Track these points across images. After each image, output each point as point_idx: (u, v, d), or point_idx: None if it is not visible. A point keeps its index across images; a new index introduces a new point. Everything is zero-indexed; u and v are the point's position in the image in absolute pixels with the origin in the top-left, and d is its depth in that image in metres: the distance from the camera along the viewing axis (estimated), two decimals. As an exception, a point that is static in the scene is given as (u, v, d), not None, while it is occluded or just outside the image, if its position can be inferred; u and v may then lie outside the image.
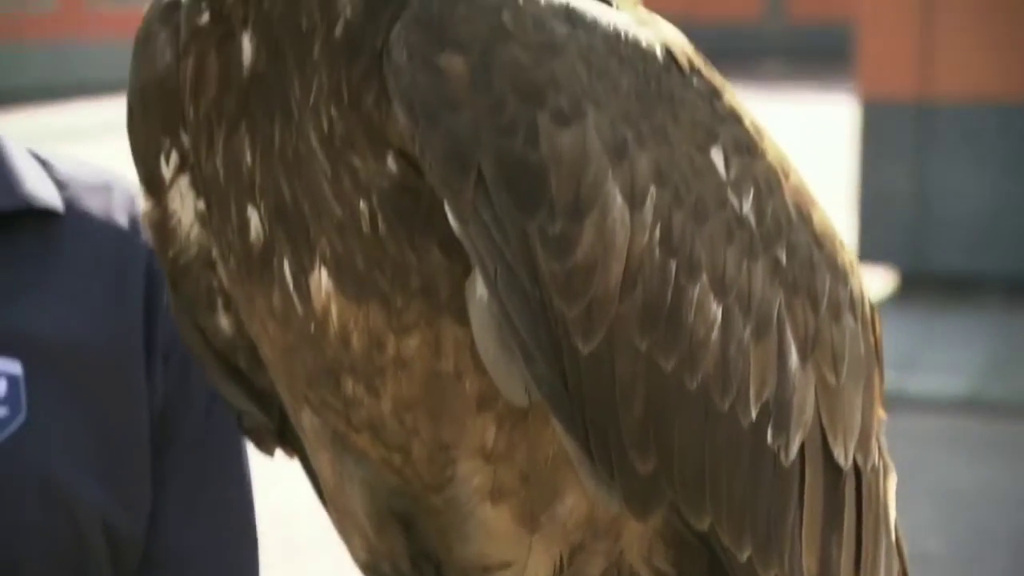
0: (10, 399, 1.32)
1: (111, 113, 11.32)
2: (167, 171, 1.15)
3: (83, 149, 10.31)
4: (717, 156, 1.07)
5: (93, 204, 1.40)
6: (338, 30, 1.03)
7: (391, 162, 1.03)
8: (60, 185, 1.40)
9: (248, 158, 1.06)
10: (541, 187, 1.00)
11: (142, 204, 1.17)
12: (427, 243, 1.04)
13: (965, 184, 8.84)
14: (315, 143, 1.04)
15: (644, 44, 1.05)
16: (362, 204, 1.04)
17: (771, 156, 1.11)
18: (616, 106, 1.02)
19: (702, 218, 1.05)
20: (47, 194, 1.38)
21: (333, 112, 1.03)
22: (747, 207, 1.08)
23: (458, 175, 1.00)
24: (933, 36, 8.72)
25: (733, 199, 1.07)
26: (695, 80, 1.07)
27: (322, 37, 1.03)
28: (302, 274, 1.07)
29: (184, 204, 1.16)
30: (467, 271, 1.04)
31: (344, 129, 1.03)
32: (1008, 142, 8.79)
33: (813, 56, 21.94)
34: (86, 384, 1.35)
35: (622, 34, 1.04)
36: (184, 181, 1.15)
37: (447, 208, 1.01)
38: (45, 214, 1.38)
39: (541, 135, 0.99)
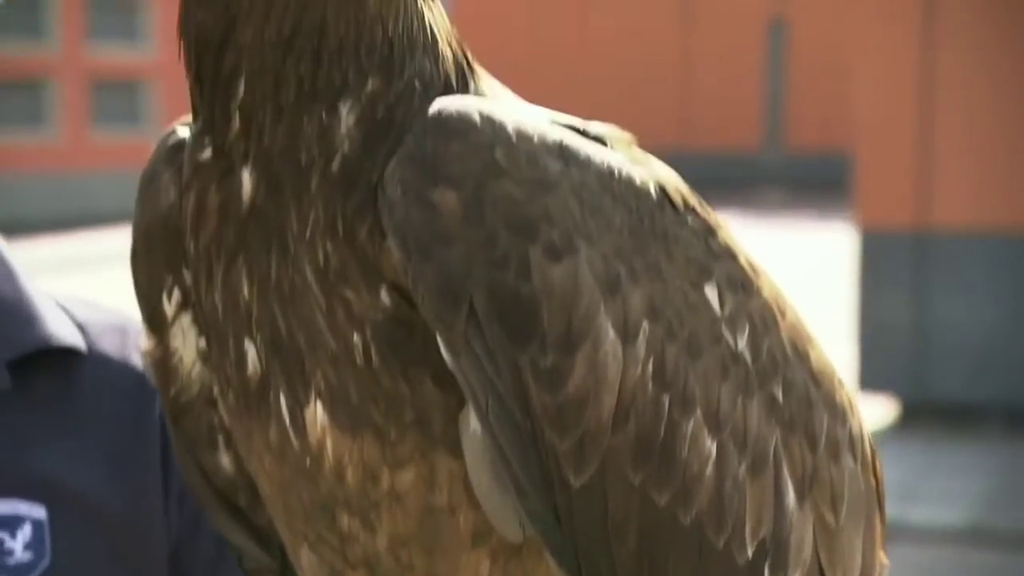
0: (34, 543, 1.33)
1: (111, 243, 11.37)
2: (169, 308, 1.16)
3: (82, 279, 10.33)
4: (711, 292, 1.07)
5: (110, 346, 1.42)
6: (335, 164, 1.04)
7: (384, 295, 1.04)
8: (79, 327, 1.42)
9: (245, 291, 1.07)
10: (533, 320, 1.00)
11: (144, 342, 1.18)
12: (421, 375, 1.04)
13: (965, 313, 8.85)
14: (310, 276, 1.05)
15: (638, 182, 1.06)
16: (356, 337, 1.05)
17: (767, 294, 1.12)
18: (609, 242, 1.03)
19: (696, 353, 1.05)
20: (69, 334, 1.40)
21: (328, 245, 1.04)
22: (742, 343, 1.08)
23: (450, 308, 1.00)
24: (931, 166, 8.78)
25: (728, 335, 1.07)
26: (689, 218, 1.08)
27: (320, 171, 1.05)
28: (297, 408, 1.08)
29: (186, 342, 1.17)
30: (461, 403, 1.04)
31: (338, 262, 1.04)
32: (1006, 272, 8.82)
33: (811, 185, 22.09)
34: (107, 528, 1.36)
35: (615, 172, 1.05)
36: (186, 319, 1.16)
37: (440, 341, 1.01)
38: (65, 355, 1.40)
39: (533, 268, 1.00)
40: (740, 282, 1.09)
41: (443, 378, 1.04)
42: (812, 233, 16.93)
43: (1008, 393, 8.89)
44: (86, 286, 9.30)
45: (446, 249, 1.00)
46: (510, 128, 1.02)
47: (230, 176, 1.07)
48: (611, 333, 1.01)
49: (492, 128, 1.02)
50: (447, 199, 1.00)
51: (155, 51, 19.95)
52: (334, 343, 1.05)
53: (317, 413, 1.07)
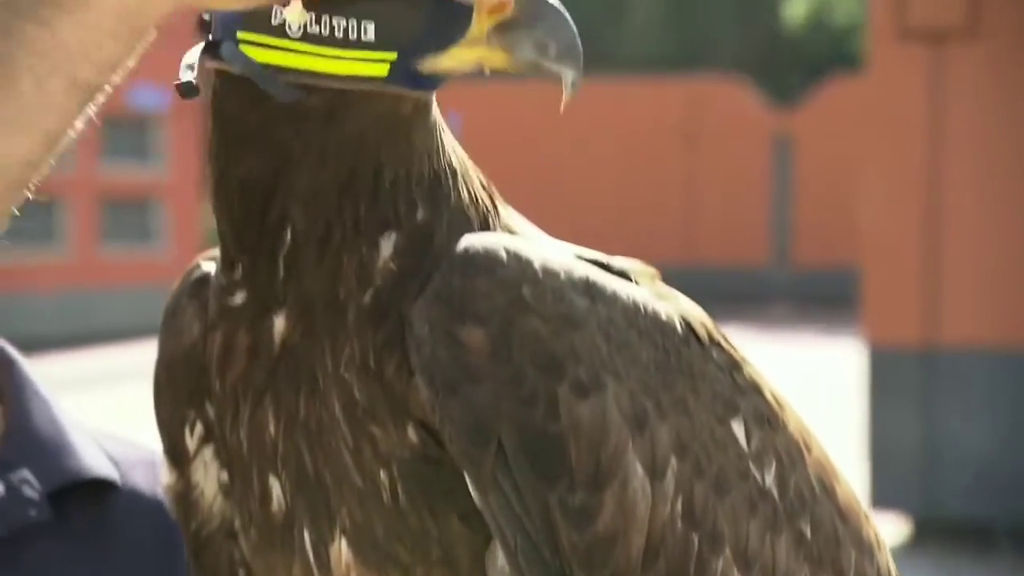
0: None
1: (124, 361, 11.34)
2: (191, 442, 1.16)
3: (95, 397, 10.31)
4: (738, 428, 1.08)
5: (141, 480, 1.42)
6: (367, 297, 1.05)
7: (412, 433, 1.04)
8: (111, 460, 1.43)
9: (272, 429, 1.08)
10: (561, 458, 1.00)
11: (165, 475, 1.18)
12: (447, 513, 1.04)
13: (975, 430, 8.82)
14: (338, 412, 1.05)
15: (663, 317, 1.07)
16: (383, 474, 1.05)
17: (793, 428, 1.12)
18: (635, 378, 1.03)
19: (724, 490, 1.05)
20: (104, 466, 1.40)
21: (357, 381, 1.05)
22: (769, 479, 1.08)
23: (478, 446, 1.01)
24: (938, 283, 8.78)
25: (755, 471, 1.08)
26: (714, 353, 1.09)
27: (355, 305, 1.05)
28: (322, 544, 1.08)
29: (207, 475, 1.17)
30: (488, 541, 1.04)
31: (367, 398, 1.05)
32: (1017, 389, 8.80)
33: (819, 301, 22.04)
34: None
35: (641, 307, 1.06)
36: (208, 452, 1.16)
37: (468, 479, 1.02)
38: (100, 487, 1.40)
39: (561, 406, 1.01)
40: (766, 417, 1.10)
41: (470, 515, 1.04)
42: (820, 349, 16.87)
43: (1019, 510, 8.84)
44: (98, 404, 9.28)
45: (474, 387, 1.01)
46: (536, 265, 1.03)
47: (262, 319, 1.07)
48: (639, 470, 1.02)
49: (519, 265, 1.03)
50: (474, 337, 1.01)
51: (166, 171, 20.00)
52: (360, 480, 1.05)
53: (342, 550, 1.07)
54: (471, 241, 1.04)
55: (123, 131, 19.09)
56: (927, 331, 8.84)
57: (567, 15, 1.02)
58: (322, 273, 1.06)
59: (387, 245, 1.05)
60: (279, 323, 1.07)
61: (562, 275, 1.04)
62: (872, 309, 9.04)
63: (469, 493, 1.03)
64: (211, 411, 1.14)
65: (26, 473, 1.37)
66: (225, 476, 1.15)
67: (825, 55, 26.83)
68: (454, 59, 1.04)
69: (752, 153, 23.61)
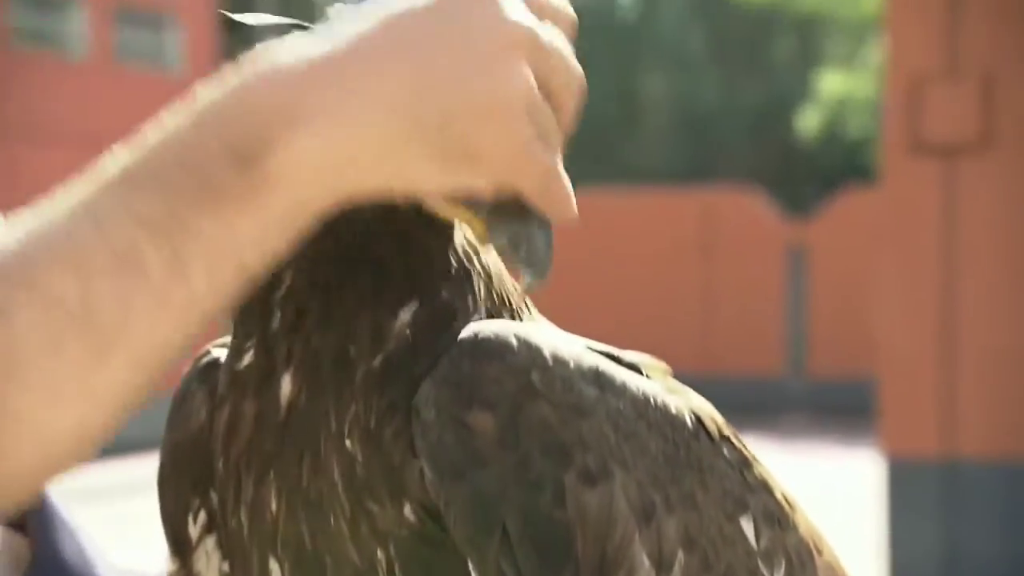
0: None
1: (125, 474, 11.35)
2: (194, 531, 1.15)
3: (94, 511, 10.29)
4: (747, 525, 1.07)
5: None
6: (378, 361, 1.05)
7: (409, 512, 1.03)
8: None
9: (273, 506, 1.07)
10: (567, 547, 1.00)
11: (168, 566, 1.18)
12: None
13: (996, 544, 8.76)
14: (337, 480, 1.05)
15: (673, 410, 1.07)
16: (379, 553, 1.04)
17: (803, 529, 1.12)
18: (644, 469, 1.03)
19: None
20: None
21: (359, 448, 1.04)
22: None
23: (483, 532, 1.00)
24: (954, 395, 8.77)
25: (764, 570, 1.07)
26: (725, 449, 1.09)
27: (365, 366, 1.05)
28: None
29: (209, 565, 1.16)
30: None
31: (364, 470, 1.04)
32: (1035, 500, 8.75)
33: (835, 411, 22.03)
34: None
35: (651, 399, 1.06)
36: (210, 541, 1.15)
37: (471, 564, 1.01)
38: None
39: (568, 494, 1.00)
40: (776, 517, 1.09)
41: None
42: (836, 459, 16.82)
43: (1040, 624, 8.76)
44: (100, 518, 9.28)
45: (480, 472, 1.00)
46: (546, 352, 1.03)
47: (269, 382, 1.07)
48: (646, 563, 1.01)
49: (528, 351, 1.02)
50: (482, 421, 1.00)
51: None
52: (358, 559, 1.04)
53: None
54: (481, 327, 1.04)
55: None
56: (945, 443, 8.81)
57: (550, 231, 1.03)
58: (331, 335, 1.05)
59: (406, 313, 1.05)
60: (286, 385, 1.06)
61: (572, 363, 1.03)
62: (889, 420, 9.01)
63: None
64: (215, 498, 1.13)
65: None
66: (227, 567, 1.14)
67: (839, 167, 27.01)
68: (446, 211, 1.04)
69: (767, 263, 23.66)
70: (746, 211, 23.77)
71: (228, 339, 1.13)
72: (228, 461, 1.09)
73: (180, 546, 1.16)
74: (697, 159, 28.10)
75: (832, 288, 23.58)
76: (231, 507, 1.10)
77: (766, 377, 22.84)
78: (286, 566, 1.07)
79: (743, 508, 1.07)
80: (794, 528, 1.10)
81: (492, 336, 1.02)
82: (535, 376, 1.02)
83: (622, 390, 1.04)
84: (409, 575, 1.04)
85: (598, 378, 1.04)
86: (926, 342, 8.85)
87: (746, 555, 1.06)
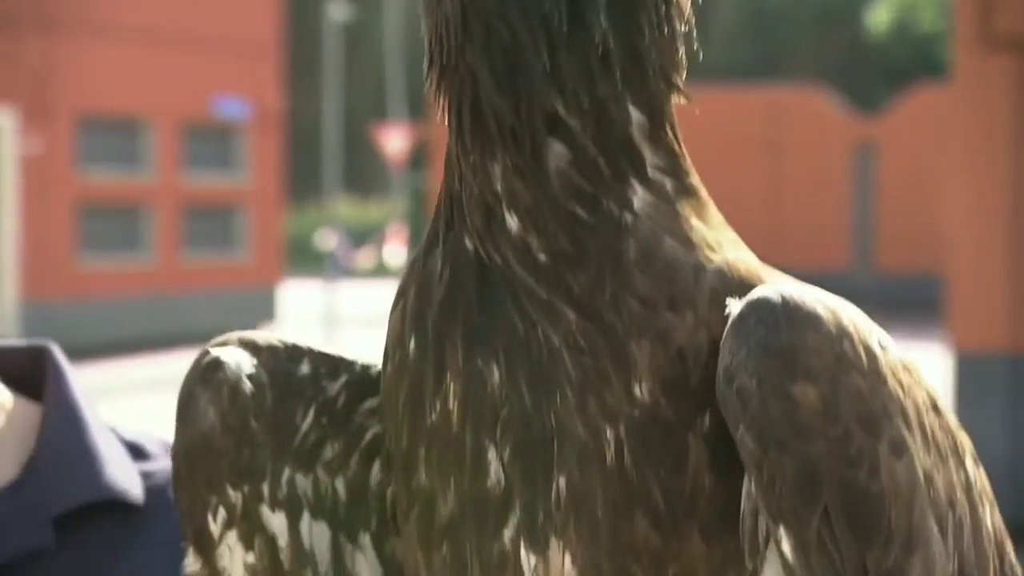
0: None
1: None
2: (215, 528, 1.15)
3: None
4: (971, 488, 1.09)
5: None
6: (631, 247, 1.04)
7: (639, 391, 1.02)
8: (145, 475, 1.40)
9: (496, 376, 1.04)
10: (880, 518, 1.00)
11: (191, 564, 1.17)
12: (688, 530, 1.03)
13: (1062, 435, 8.78)
14: (559, 345, 1.03)
15: (915, 375, 1.07)
16: (609, 432, 1.03)
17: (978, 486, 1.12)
18: (920, 437, 1.03)
19: (979, 548, 1.07)
20: (127, 485, 1.38)
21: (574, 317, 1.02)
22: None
23: (807, 505, 0.99)
24: (1025, 289, 8.75)
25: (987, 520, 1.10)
26: (948, 419, 1.10)
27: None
28: (541, 563, 1.04)
29: (233, 560, 1.15)
30: (725, 559, 1.03)
31: (585, 340, 1.02)
32: (1103, 393, 8.76)
33: (903, 306, 21.97)
34: None
35: (904, 364, 1.06)
36: (232, 536, 1.15)
37: (784, 535, 1.00)
38: (122, 508, 1.37)
39: (881, 466, 1.00)
40: (971, 482, 1.11)
41: (711, 533, 1.02)
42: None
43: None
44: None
45: (805, 444, 0.99)
46: (844, 318, 1.03)
47: (464, 250, 1.05)
48: (935, 530, 1.02)
49: (834, 318, 1.02)
50: (807, 394, 1.00)
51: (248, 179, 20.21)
52: (587, 437, 1.02)
53: (565, 565, 1.03)
54: (777, 288, 1.04)
55: (206, 140, 19.26)
56: (1015, 336, 8.82)
57: None
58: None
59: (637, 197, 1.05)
60: (511, 222, 1.04)
61: (864, 327, 1.04)
62: (958, 315, 9.01)
63: (712, 501, 1.03)
64: (232, 495, 1.14)
65: (40, 493, 1.35)
66: (251, 558, 1.15)
67: (909, 62, 26.70)
68: None
69: (834, 160, 23.54)
70: (813, 108, 23.61)
71: (228, 338, 1.16)
72: (423, 333, 1.06)
73: (202, 544, 1.16)
74: (764, 56, 27.85)
75: (901, 184, 23.43)
76: (429, 398, 1.06)
77: (834, 272, 22.78)
78: (506, 452, 1.04)
79: (963, 470, 1.09)
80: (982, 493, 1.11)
81: (800, 303, 1.02)
82: (846, 345, 1.01)
83: (892, 347, 1.05)
84: (637, 457, 1.03)
85: (881, 340, 1.04)
86: (996, 238, 8.83)
87: (971, 510, 1.08)
